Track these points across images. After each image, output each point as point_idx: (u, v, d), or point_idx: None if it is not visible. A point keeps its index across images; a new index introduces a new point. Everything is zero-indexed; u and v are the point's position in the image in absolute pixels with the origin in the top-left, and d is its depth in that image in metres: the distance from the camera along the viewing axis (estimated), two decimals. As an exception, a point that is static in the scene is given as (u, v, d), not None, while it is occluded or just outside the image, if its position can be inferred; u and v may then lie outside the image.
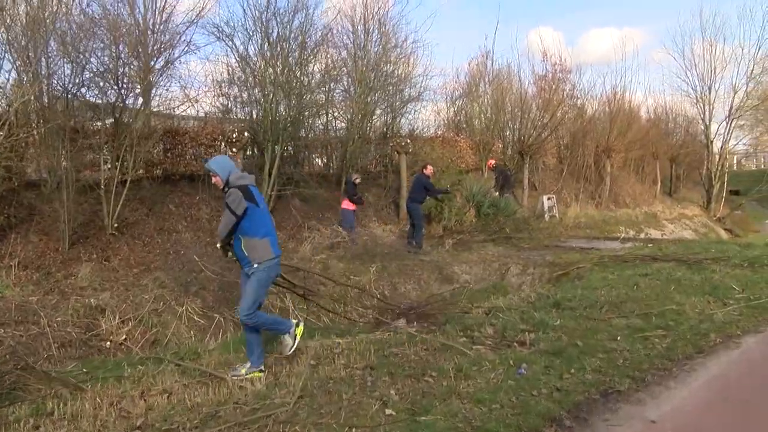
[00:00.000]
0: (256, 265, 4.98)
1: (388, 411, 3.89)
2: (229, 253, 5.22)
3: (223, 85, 13.96)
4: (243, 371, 5.02)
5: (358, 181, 13.63)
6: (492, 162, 18.45)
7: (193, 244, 11.42)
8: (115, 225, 10.42)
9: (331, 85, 14.77)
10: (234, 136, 11.39)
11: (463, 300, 8.21)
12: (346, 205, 13.26)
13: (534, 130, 19.77)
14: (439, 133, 20.29)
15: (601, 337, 5.20)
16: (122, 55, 10.99)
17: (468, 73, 22.35)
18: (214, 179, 5.08)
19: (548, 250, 12.49)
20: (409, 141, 15.13)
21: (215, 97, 14.16)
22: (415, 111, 18.79)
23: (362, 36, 15.28)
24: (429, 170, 13.26)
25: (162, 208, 12.01)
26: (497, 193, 17.63)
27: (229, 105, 13.71)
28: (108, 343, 7.43)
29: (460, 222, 14.90)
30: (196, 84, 19.35)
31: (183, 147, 12.77)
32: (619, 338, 5.08)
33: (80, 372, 5.53)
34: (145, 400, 4.58)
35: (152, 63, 15.92)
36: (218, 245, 5.29)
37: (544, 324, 5.67)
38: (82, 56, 10.35)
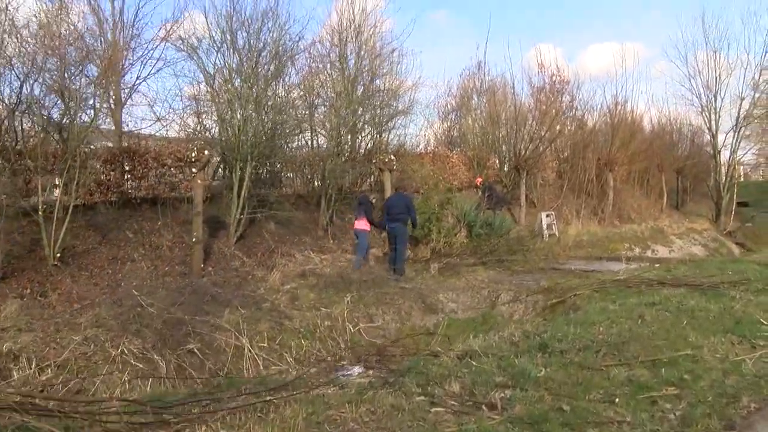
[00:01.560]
0: None
1: None
2: None
3: (191, 101, 13.03)
4: None
5: (374, 200, 12.55)
6: (479, 180, 17.36)
7: (148, 275, 10.33)
8: (58, 255, 9.32)
9: (312, 99, 13.73)
10: (192, 155, 10.32)
11: (439, 338, 7.00)
12: (362, 225, 12.09)
13: (530, 143, 18.68)
14: (429, 149, 19.24)
15: (595, 396, 4.02)
16: (71, 69, 9.98)
17: (460, 85, 21.33)
18: None
19: (544, 273, 11.34)
20: (393, 157, 14.04)
21: (184, 116, 13.20)
22: (403, 126, 17.77)
23: (339, 46, 14.23)
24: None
25: (118, 235, 10.94)
26: (490, 210, 16.59)
27: (198, 123, 12.67)
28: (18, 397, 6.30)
29: (450, 244, 13.74)
30: (169, 101, 17.99)
31: (145, 168, 11.76)
32: (617, 400, 3.90)
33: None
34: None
35: (121, 79, 15.27)
36: None
37: (525, 375, 4.51)
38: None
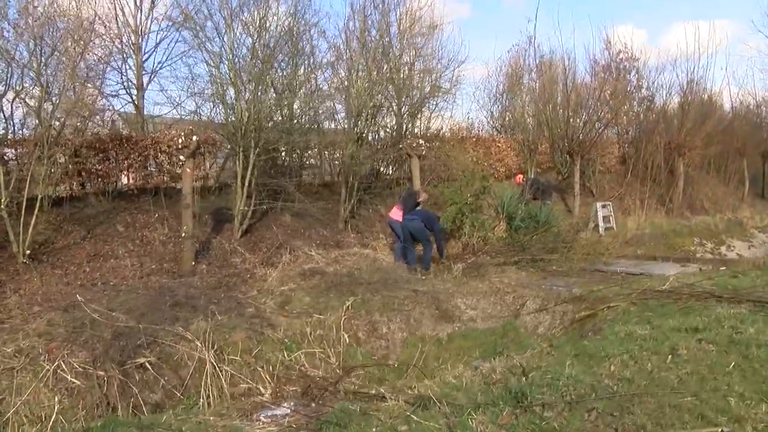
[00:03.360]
0: None
1: None
2: None
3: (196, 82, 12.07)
4: None
5: (421, 198, 11.19)
6: (520, 176, 15.55)
7: (131, 273, 9.44)
8: (28, 252, 8.53)
9: (326, 74, 12.46)
10: (180, 141, 9.30)
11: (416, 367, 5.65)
12: (395, 214, 10.85)
13: (585, 125, 16.64)
14: (474, 133, 17.58)
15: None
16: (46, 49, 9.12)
17: (509, 62, 19.43)
18: None
19: (584, 276, 9.66)
20: (422, 142, 12.59)
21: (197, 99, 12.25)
22: (447, 108, 16.24)
23: (356, 18, 12.79)
24: (423, 198, 10.88)
25: (107, 229, 10.13)
26: (537, 200, 14.85)
27: (198, 106, 11.69)
28: None
29: (485, 239, 12.18)
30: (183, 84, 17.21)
31: (140, 157, 10.87)
32: None
33: None
34: None
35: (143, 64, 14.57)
36: None
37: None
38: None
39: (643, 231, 15.72)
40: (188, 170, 9.52)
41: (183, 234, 9.61)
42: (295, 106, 12.19)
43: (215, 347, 7.14)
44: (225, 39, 10.70)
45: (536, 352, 5.24)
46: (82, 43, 9.06)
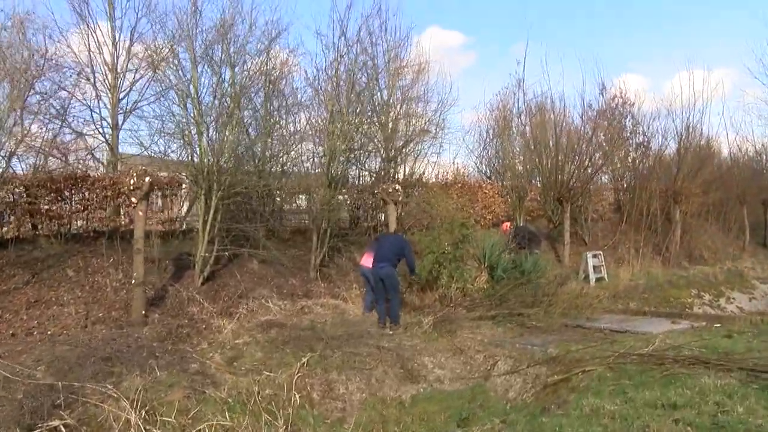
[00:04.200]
0: None
1: None
2: None
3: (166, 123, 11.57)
4: None
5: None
6: (507, 224, 14.89)
7: (74, 322, 8.71)
8: (-44, 299, 7.87)
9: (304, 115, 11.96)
10: (132, 183, 8.71)
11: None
12: (365, 261, 10.24)
13: (577, 170, 16.06)
14: (458, 178, 17.01)
15: None
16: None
17: (498, 105, 19.01)
18: None
19: (564, 333, 8.90)
20: (398, 187, 11.98)
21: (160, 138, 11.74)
22: (425, 153, 15.69)
23: (335, 41, 12.27)
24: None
25: (54, 274, 9.47)
26: (523, 249, 14.15)
27: (169, 145, 11.17)
28: None
29: (463, 290, 11.45)
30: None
31: (96, 198, 10.30)
32: None
33: None
34: None
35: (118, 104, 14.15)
36: None
37: None
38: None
39: (637, 282, 14.97)
40: (140, 213, 8.90)
41: (133, 281, 8.93)
42: (269, 149, 11.64)
43: (147, 407, 6.41)
44: (190, 78, 10.24)
45: (486, 429, 4.47)
46: (29, 73, 8.56)
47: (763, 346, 6.72)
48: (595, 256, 14.87)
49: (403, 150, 14.27)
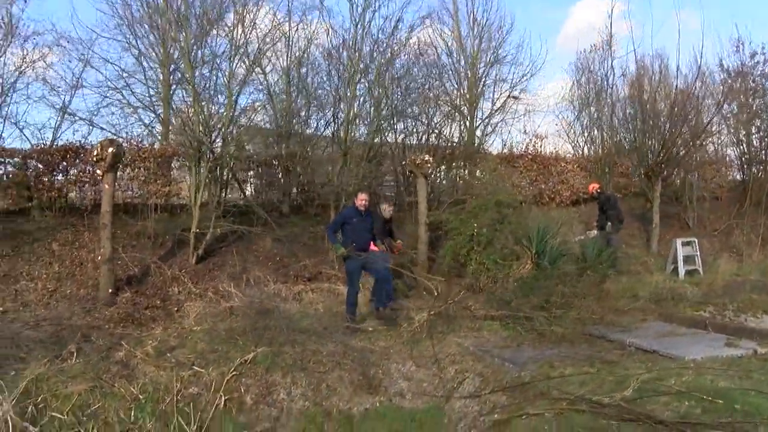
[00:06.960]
0: None
1: None
2: None
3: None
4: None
5: (388, 215, 9.33)
6: (596, 185, 12.51)
7: (38, 297, 8.29)
8: None
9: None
10: (95, 153, 8.04)
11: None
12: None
13: (675, 138, 13.19)
14: (531, 150, 14.80)
15: None
16: None
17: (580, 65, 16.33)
18: None
19: (579, 345, 6.93)
20: (428, 158, 10.37)
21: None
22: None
23: None
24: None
25: (37, 248, 9.17)
26: (595, 232, 11.95)
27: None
28: None
29: (494, 279, 9.66)
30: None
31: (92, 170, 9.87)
32: None
33: None
34: None
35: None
36: None
37: None
38: None
39: (747, 277, 11.99)
40: (107, 186, 8.23)
41: (99, 257, 8.34)
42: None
43: (38, 399, 5.73)
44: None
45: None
46: None
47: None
48: (687, 243, 12.13)
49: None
